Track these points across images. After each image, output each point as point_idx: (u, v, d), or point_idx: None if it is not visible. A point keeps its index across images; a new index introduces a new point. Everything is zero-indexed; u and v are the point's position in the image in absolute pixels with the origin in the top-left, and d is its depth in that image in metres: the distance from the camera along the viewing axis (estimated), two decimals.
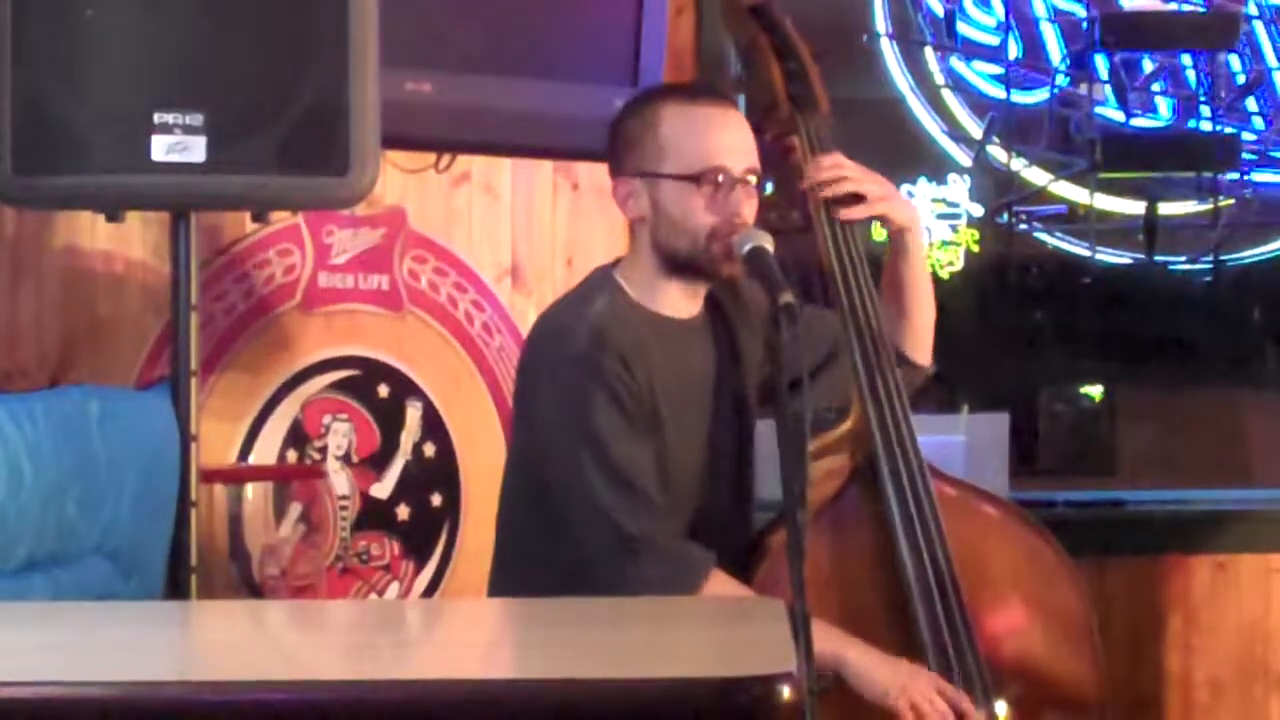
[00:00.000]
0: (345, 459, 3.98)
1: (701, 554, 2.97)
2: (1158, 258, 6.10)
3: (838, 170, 3.17)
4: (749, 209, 3.05)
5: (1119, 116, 6.20)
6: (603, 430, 2.96)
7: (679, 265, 3.08)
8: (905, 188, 6.01)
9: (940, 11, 6.07)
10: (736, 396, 3.18)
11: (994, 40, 6.16)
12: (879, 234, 3.41)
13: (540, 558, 3.04)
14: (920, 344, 3.25)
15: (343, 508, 3.98)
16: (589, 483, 2.96)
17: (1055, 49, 6.20)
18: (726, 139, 3.07)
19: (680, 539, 3.00)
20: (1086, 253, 6.12)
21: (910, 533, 3.06)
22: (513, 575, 3.13)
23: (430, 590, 4.05)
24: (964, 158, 6.11)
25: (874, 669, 2.96)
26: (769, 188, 3.42)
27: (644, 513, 2.96)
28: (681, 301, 3.12)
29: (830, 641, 2.91)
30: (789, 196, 3.32)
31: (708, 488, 3.12)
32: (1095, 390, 6.35)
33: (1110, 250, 6.18)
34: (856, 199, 3.16)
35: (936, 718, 2.95)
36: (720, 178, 3.03)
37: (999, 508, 3.26)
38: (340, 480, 3.98)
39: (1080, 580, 3.20)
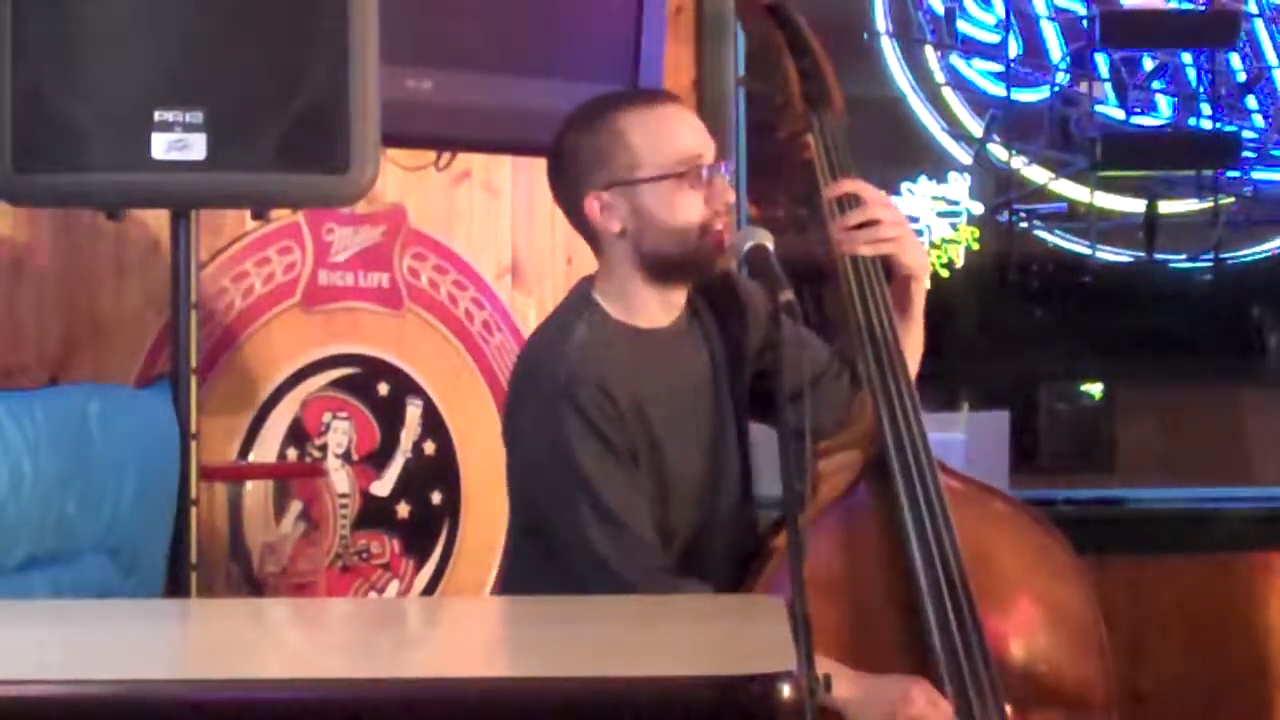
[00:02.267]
0: (345, 457, 3.98)
1: (693, 587, 2.96)
2: (1158, 256, 6.10)
3: (863, 205, 3.16)
4: (732, 195, 3.06)
5: (1119, 114, 6.19)
6: (588, 470, 2.95)
7: (667, 269, 3.05)
8: (905, 186, 6.01)
9: (940, 9, 6.06)
10: (732, 395, 3.16)
11: (994, 38, 6.15)
12: None
13: (538, 587, 3.02)
14: None
15: (343, 506, 3.98)
16: (577, 525, 2.94)
17: (1055, 47, 6.19)
18: (693, 132, 3.06)
19: (673, 575, 2.98)
20: (1087, 251, 6.12)
21: (920, 529, 3.05)
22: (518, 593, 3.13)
23: (430, 588, 4.05)
24: (964, 156, 6.11)
25: (863, 698, 2.93)
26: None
27: (634, 552, 2.94)
28: (661, 310, 3.10)
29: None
30: (797, 193, 3.31)
31: (711, 491, 3.11)
32: (1095, 388, 6.34)
33: (1110, 248, 6.17)
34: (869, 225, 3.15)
35: None
36: (701, 170, 3.03)
37: (1009, 505, 3.25)
38: (340, 478, 3.98)
39: (1088, 579, 3.20)
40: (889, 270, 3.18)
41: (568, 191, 3.10)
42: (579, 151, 3.07)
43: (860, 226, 3.13)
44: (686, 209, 3.02)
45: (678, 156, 3.03)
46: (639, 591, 2.90)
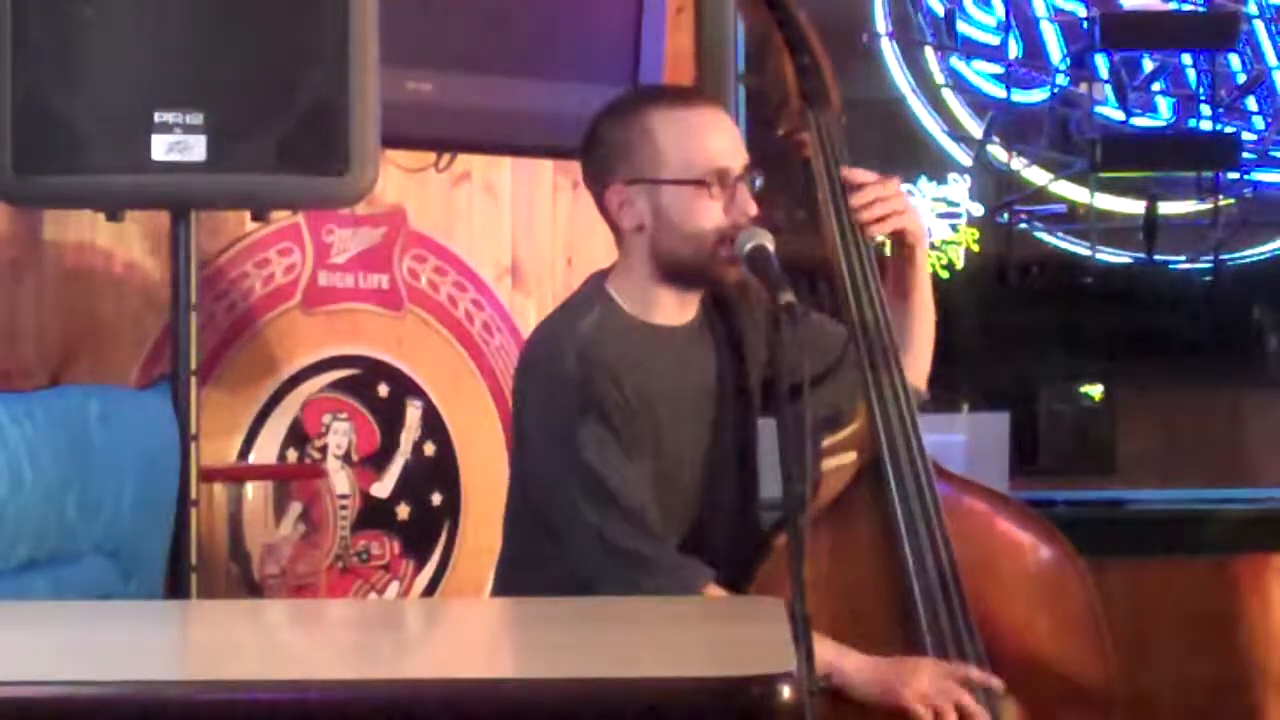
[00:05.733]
0: (345, 458, 3.98)
1: (698, 568, 2.97)
2: (1158, 257, 6.10)
3: (864, 186, 3.16)
4: (753, 208, 3.05)
5: (1119, 116, 6.20)
6: (592, 453, 2.95)
7: (680, 273, 3.06)
8: (906, 188, 6.01)
9: (940, 11, 6.07)
10: (741, 396, 3.17)
11: (994, 40, 6.16)
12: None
13: (540, 576, 3.03)
14: (918, 369, 3.22)
15: (343, 507, 3.98)
16: (581, 506, 2.96)
17: (1055, 48, 6.20)
18: (724, 140, 3.06)
19: (676, 554, 3.00)
20: (1087, 252, 6.13)
21: (913, 531, 3.06)
22: (513, 589, 3.13)
23: (430, 589, 4.05)
24: (964, 157, 6.11)
25: (875, 674, 2.95)
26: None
27: (638, 532, 2.95)
28: (676, 308, 3.10)
29: (826, 652, 2.90)
30: (794, 194, 3.31)
31: (713, 490, 3.11)
32: (1095, 390, 6.34)
33: (1110, 250, 6.18)
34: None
35: (950, 705, 2.95)
36: (725, 180, 3.03)
37: (1006, 506, 3.26)
38: (340, 479, 3.98)
39: (1086, 574, 3.20)
40: (895, 242, 3.19)
41: (593, 180, 3.11)
42: (606, 141, 3.08)
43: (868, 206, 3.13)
44: (705, 217, 3.02)
45: (704, 164, 3.02)
46: (644, 567, 2.91)
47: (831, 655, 2.92)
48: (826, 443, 3.09)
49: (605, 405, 2.96)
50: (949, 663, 3.00)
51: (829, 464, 3.10)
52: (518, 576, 3.12)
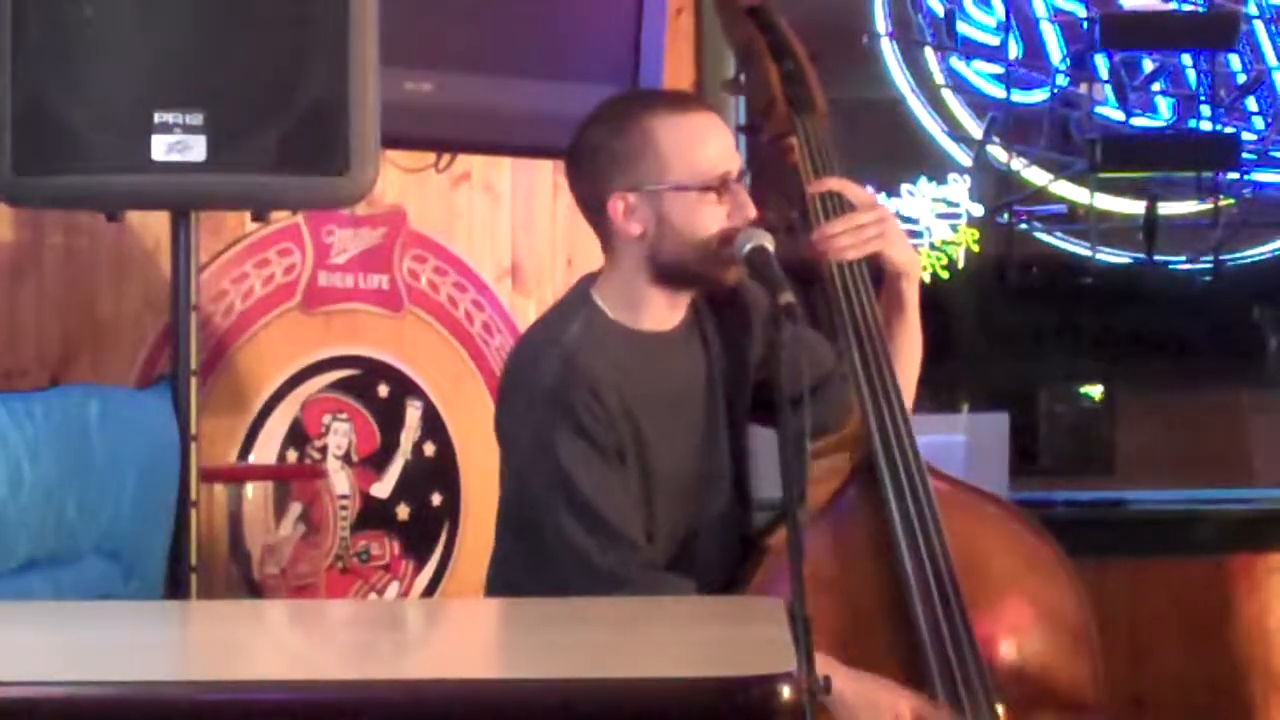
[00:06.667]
0: (345, 458, 3.98)
1: (678, 582, 2.97)
2: (1158, 257, 6.09)
3: (840, 193, 3.15)
4: (753, 209, 3.05)
5: (1119, 116, 6.19)
6: (571, 467, 2.95)
7: (682, 277, 3.06)
8: (906, 188, 6.01)
9: (940, 11, 6.06)
10: (729, 400, 3.16)
11: (994, 40, 6.15)
12: None
13: (533, 576, 3.03)
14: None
15: (343, 507, 3.98)
16: (561, 520, 2.96)
17: (1055, 49, 6.19)
18: (723, 144, 3.06)
19: (656, 569, 2.99)
20: (1087, 252, 6.12)
21: (909, 532, 3.06)
22: (507, 589, 3.13)
23: (430, 590, 4.06)
24: (964, 157, 6.10)
25: (851, 692, 2.94)
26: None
27: (617, 548, 2.95)
28: (665, 313, 3.09)
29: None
30: (787, 196, 3.31)
31: (701, 492, 3.11)
32: (1095, 390, 6.34)
33: (1110, 250, 6.17)
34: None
35: None
36: (727, 184, 3.03)
37: (998, 508, 3.26)
38: (340, 480, 3.98)
39: (1079, 581, 3.21)
40: (880, 270, 3.18)
41: (587, 188, 3.09)
42: (605, 150, 3.05)
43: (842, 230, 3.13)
44: (710, 221, 3.02)
45: (707, 169, 3.02)
46: (622, 587, 2.91)
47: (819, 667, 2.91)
48: (818, 445, 3.09)
49: (583, 416, 2.96)
50: (931, 710, 2.99)
51: (822, 466, 3.10)
52: (511, 577, 3.12)
